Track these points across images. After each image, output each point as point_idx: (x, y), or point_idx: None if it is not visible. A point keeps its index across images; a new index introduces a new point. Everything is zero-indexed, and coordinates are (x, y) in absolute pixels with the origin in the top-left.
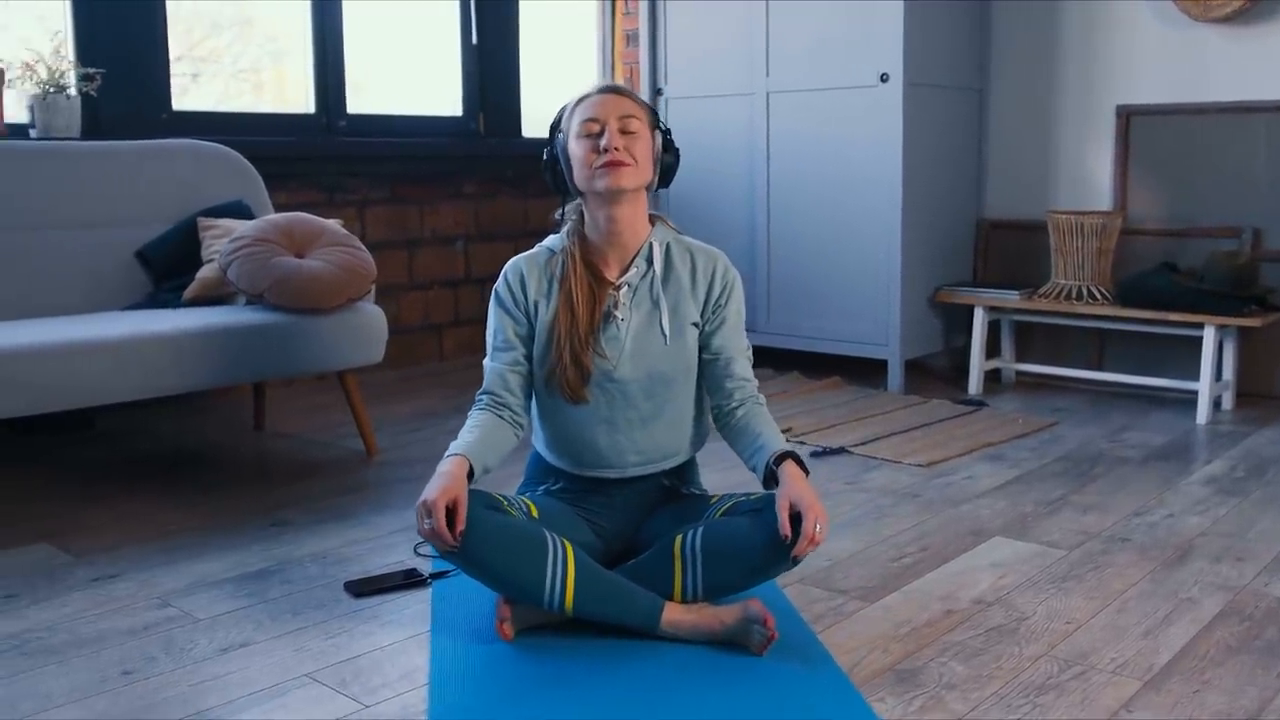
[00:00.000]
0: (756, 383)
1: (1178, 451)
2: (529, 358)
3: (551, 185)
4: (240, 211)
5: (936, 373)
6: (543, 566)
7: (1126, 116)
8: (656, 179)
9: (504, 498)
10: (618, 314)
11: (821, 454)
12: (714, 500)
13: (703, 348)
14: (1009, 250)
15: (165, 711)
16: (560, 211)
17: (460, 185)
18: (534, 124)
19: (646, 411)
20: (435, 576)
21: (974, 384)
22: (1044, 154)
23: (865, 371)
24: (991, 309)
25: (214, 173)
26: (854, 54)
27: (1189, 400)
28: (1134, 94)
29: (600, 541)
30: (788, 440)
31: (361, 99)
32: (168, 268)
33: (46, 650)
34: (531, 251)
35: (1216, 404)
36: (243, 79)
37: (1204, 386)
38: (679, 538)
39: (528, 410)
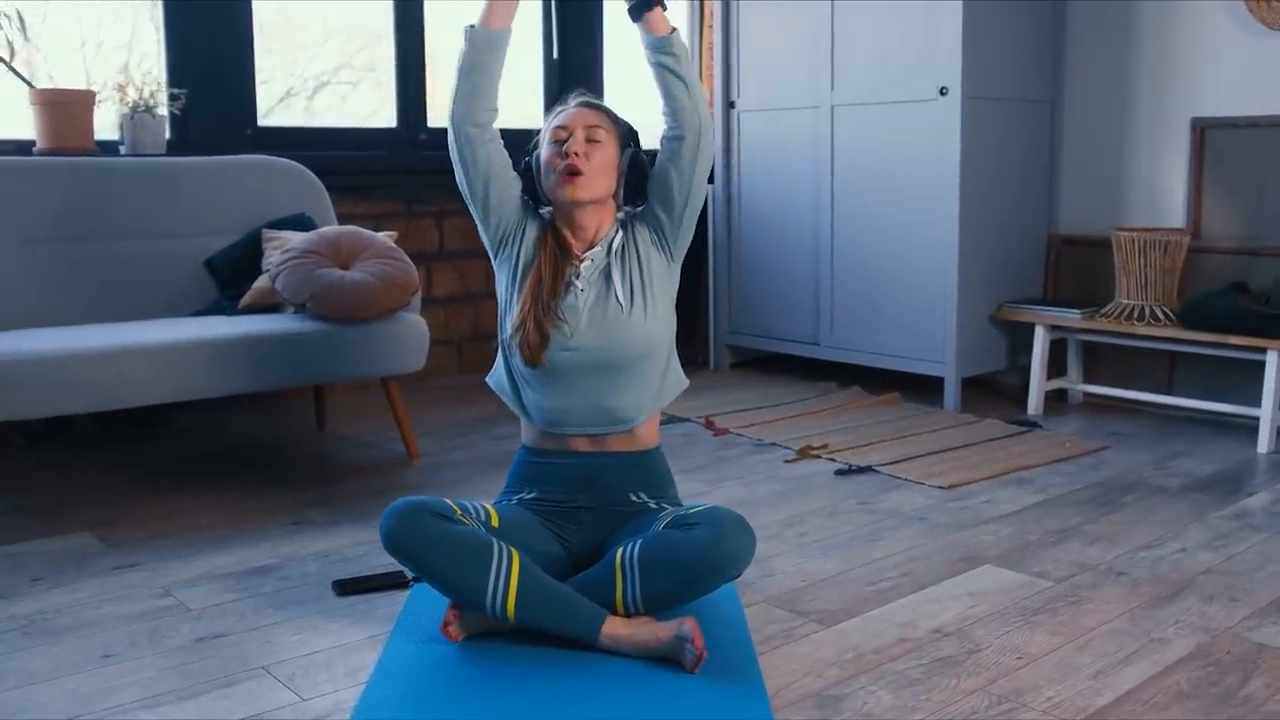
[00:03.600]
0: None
1: (1223, 482)
2: (495, 165)
3: (525, 192)
4: (302, 224)
5: (1003, 391)
6: (485, 574)
7: (1201, 129)
8: (621, 191)
9: (459, 506)
10: (578, 284)
11: (846, 472)
12: (661, 513)
13: (664, 186)
14: (1081, 267)
15: (122, 695)
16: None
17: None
18: None
19: (603, 381)
20: (418, 579)
21: (1033, 404)
22: (1117, 168)
23: (927, 388)
24: (1053, 327)
25: (283, 186)
26: (914, 67)
27: (1254, 428)
28: (1209, 106)
29: (567, 553)
30: None
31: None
32: (231, 276)
33: (47, 631)
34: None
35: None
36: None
37: (1265, 414)
38: (620, 550)
39: (492, 132)
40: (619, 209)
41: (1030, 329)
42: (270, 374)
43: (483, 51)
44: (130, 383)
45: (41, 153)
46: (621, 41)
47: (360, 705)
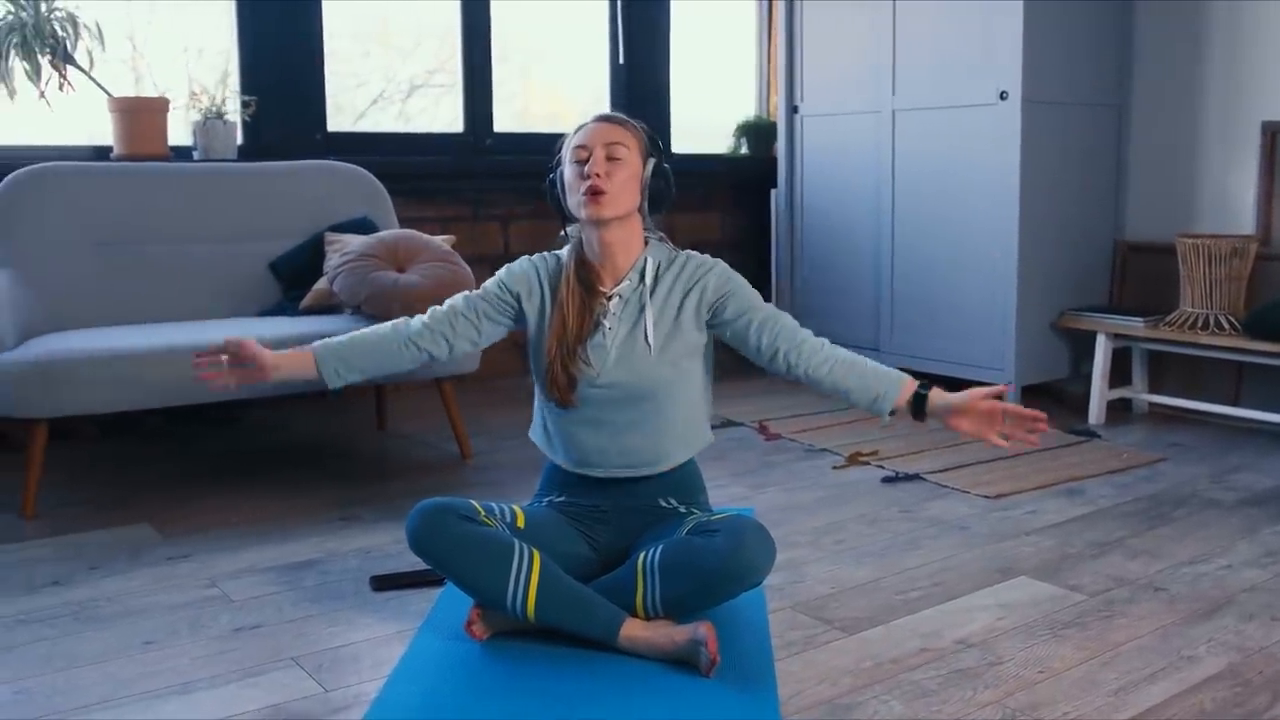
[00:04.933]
0: (798, 326)
1: None
2: (475, 329)
3: (553, 208)
4: (364, 227)
5: (1066, 400)
6: (506, 574)
7: (1272, 133)
8: (645, 203)
9: (484, 508)
10: (606, 323)
11: (893, 479)
12: (688, 518)
13: (736, 337)
14: (1148, 274)
15: (156, 681)
16: (564, 231)
17: None
18: (688, 139)
19: (632, 417)
20: None
21: (1094, 414)
22: (1186, 173)
23: None
24: (1116, 336)
25: (347, 191)
26: (974, 71)
27: None
28: None
29: (595, 554)
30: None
31: (510, 118)
32: (295, 278)
33: (97, 618)
34: (544, 254)
35: None
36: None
37: None
38: (643, 554)
39: (438, 345)
40: (645, 223)
41: (1094, 337)
42: None
43: (345, 377)
44: (192, 380)
45: (118, 158)
46: (688, 44)
47: (378, 700)
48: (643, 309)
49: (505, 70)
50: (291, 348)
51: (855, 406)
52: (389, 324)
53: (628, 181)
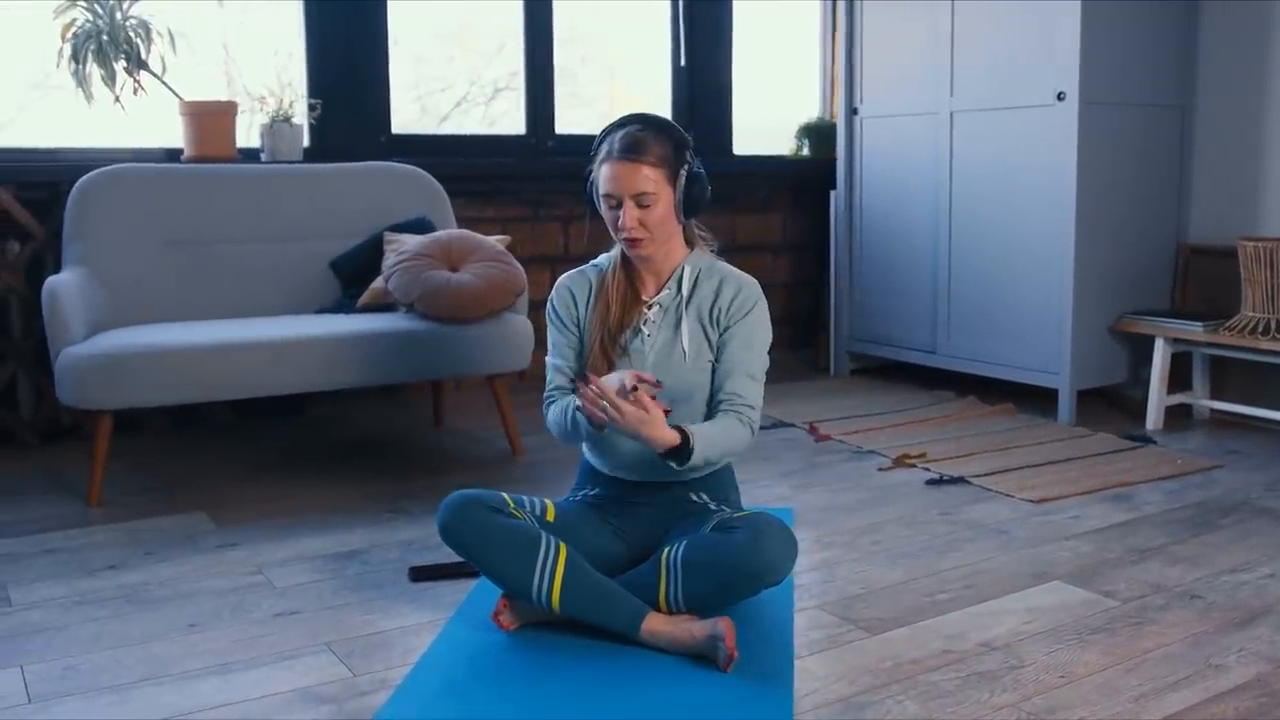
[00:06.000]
0: (747, 400)
1: None
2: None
3: (593, 212)
4: (422, 227)
5: (1125, 405)
6: (532, 564)
7: None
8: (682, 214)
9: (514, 500)
10: (645, 330)
11: (937, 482)
12: (715, 515)
13: (714, 361)
14: (1212, 277)
15: (195, 662)
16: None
17: None
18: (753, 140)
19: (669, 422)
20: None
21: (1152, 419)
22: (1251, 174)
23: (1045, 399)
24: (1175, 340)
25: (406, 191)
26: (1032, 71)
27: None
28: None
29: (626, 547)
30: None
31: (596, 119)
32: (353, 277)
33: (147, 600)
34: (579, 269)
35: None
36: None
37: None
38: (667, 549)
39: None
40: (688, 230)
41: (1153, 342)
42: (379, 370)
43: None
44: (251, 374)
45: (188, 160)
46: (752, 45)
47: (402, 685)
48: (680, 318)
49: (590, 72)
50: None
51: None
52: (558, 405)
53: (663, 218)
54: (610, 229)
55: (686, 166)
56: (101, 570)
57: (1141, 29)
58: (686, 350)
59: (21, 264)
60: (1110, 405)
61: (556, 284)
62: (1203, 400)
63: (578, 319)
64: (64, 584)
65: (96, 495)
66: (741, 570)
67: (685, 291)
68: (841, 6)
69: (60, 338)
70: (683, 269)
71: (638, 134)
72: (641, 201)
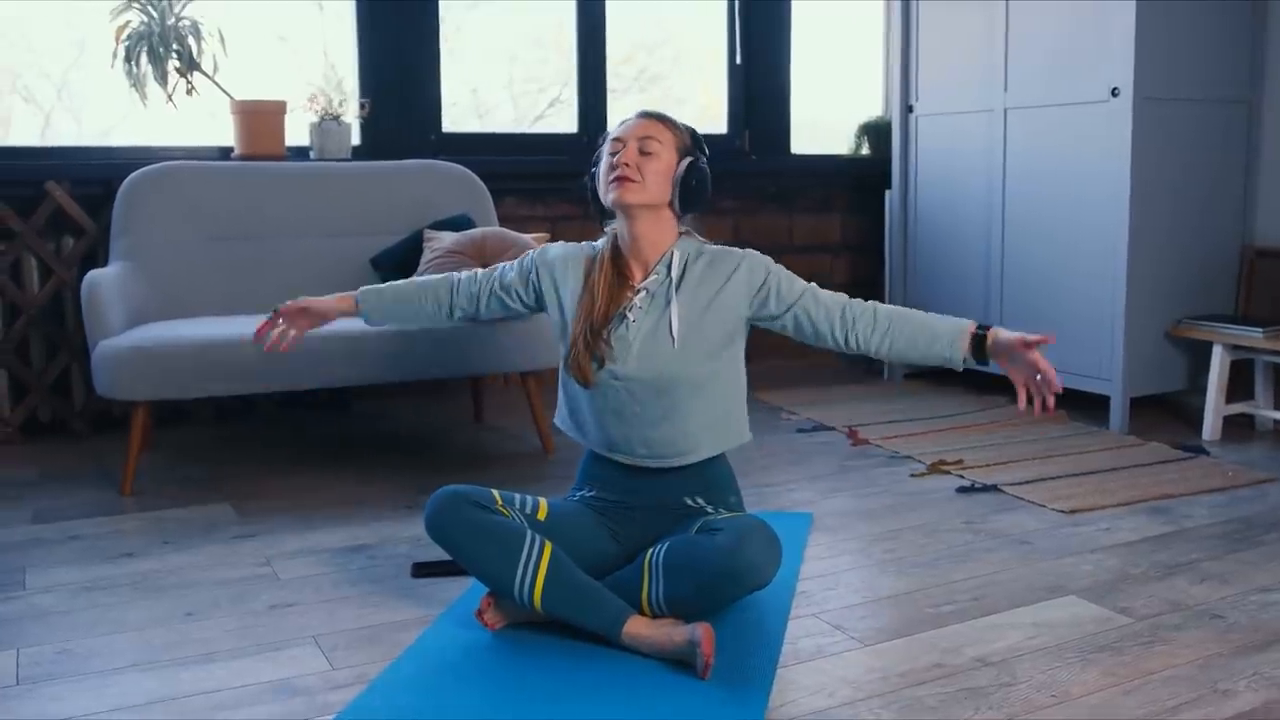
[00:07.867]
0: (840, 299)
1: None
2: (501, 304)
3: (591, 203)
4: (462, 224)
5: (1183, 414)
6: (515, 562)
7: None
8: (676, 198)
9: (502, 497)
10: (630, 316)
11: (968, 490)
12: (704, 517)
13: (786, 329)
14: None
15: (185, 650)
16: (604, 226)
17: (717, 200)
18: (813, 139)
19: (656, 411)
20: None
21: (1208, 429)
22: None
23: (1101, 406)
24: (1233, 346)
25: (449, 189)
26: (1086, 67)
27: None
28: None
29: (620, 549)
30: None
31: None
32: (393, 272)
33: (153, 588)
34: (580, 244)
35: None
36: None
37: None
38: (651, 550)
39: (462, 313)
40: (678, 219)
41: (1211, 348)
42: (409, 366)
43: (381, 322)
44: (281, 368)
45: (238, 158)
46: (814, 44)
47: (375, 681)
48: (668, 303)
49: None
50: (339, 294)
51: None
52: (426, 280)
53: (658, 174)
54: (601, 182)
55: (695, 156)
56: (118, 558)
57: (1201, 22)
58: (675, 335)
59: (75, 259)
60: (1168, 414)
61: (550, 248)
62: (1265, 411)
63: (539, 293)
64: (79, 570)
65: (130, 484)
66: (722, 573)
67: (675, 275)
68: (897, 5)
69: (97, 330)
70: (671, 253)
71: (658, 111)
72: (645, 148)
